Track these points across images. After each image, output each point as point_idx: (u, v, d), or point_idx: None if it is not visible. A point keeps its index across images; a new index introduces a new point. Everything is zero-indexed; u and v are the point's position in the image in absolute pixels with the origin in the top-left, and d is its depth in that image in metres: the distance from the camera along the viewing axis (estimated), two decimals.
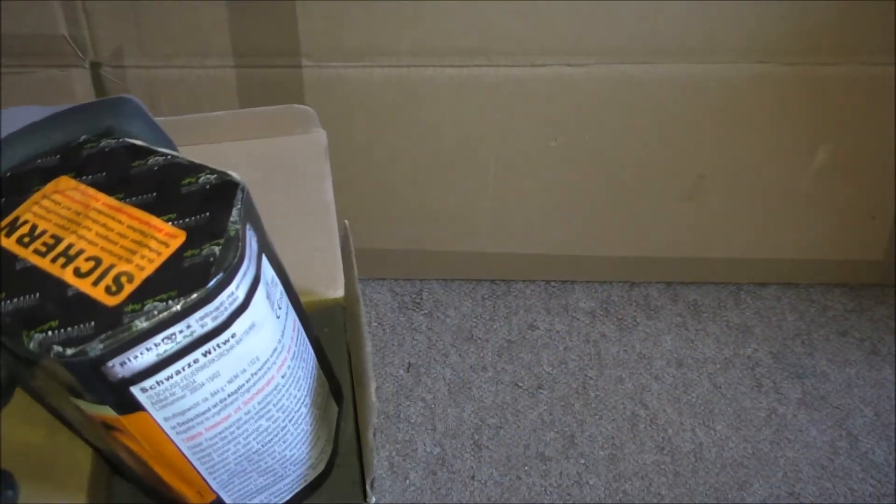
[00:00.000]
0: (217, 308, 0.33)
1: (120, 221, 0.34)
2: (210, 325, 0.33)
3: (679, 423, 0.89)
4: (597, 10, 0.81)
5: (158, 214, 0.34)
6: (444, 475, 0.85)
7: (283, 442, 0.40)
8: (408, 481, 0.85)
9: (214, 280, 0.32)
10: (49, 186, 0.36)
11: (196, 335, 0.33)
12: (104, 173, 0.36)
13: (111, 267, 0.33)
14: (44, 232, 0.34)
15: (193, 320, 0.33)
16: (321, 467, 0.44)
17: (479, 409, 0.90)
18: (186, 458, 0.37)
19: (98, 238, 0.34)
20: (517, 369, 0.93)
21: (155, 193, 0.35)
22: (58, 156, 0.38)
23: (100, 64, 0.85)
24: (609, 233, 0.96)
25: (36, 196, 0.35)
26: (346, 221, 0.53)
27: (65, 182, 0.36)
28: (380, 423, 0.89)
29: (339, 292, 0.51)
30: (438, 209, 0.95)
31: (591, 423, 0.89)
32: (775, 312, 0.98)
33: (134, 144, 0.38)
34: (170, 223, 0.34)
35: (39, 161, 0.37)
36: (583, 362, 0.94)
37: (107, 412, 0.34)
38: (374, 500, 0.41)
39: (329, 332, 0.51)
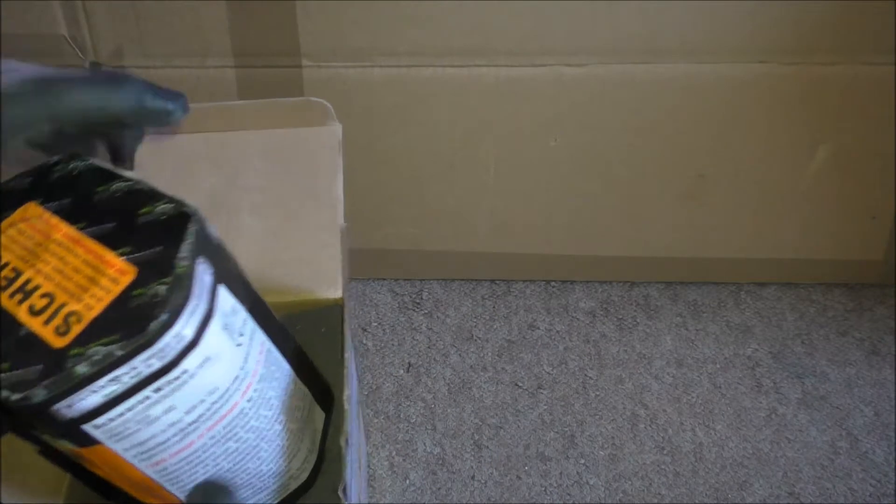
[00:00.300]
0: (162, 349, 0.33)
1: (76, 255, 0.34)
2: (157, 364, 0.33)
3: (679, 423, 0.89)
4: (597, 10, 0.81)
5: (114, 247, 0.34)
6: (444, 475, 0.85)
7: (257, 459, 0.40)
8: (408, 481, 0.85)
9: (156, 323, 0.32)
10: (17, 214, 0.36)
11: (143, 375, 0.33)
12: (69, 199, 0.36)
13: (63, 305, 0.33)
14: (6, 265, 0.34)
15: (138, 362, 0.32)
16: (304, 477, 0.44)
17: (479, 409, 0.90)
18: (155, 480, 0.37)
19: (54, 273, 0.34)
20: (517, 369, 0.93)
21: (113, 224, 0.35)
22: (30, 178, 0.38)
23: (100, 64, 0.85)
24: (609, 233, 0.96)
25: (3, 224, 0.36)
26: (344, 224, 0.53)
27: (31, 209, 0.36)
28: (380, 422, 0.89)
29: (338, 293, 0.52)
30: (438, 209, 0.95)
31: (591, 423, 0.89)
32: (775, 312, 0.98)
33: (100, 168, 0.38)
34: (123, 258, 0.34)
35: (12, 183, 0.37)
36: (583, 362, 0.94)
37: (66, 445, 0.35)
38: None
39: (326, 332, 0.51)
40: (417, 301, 1.00)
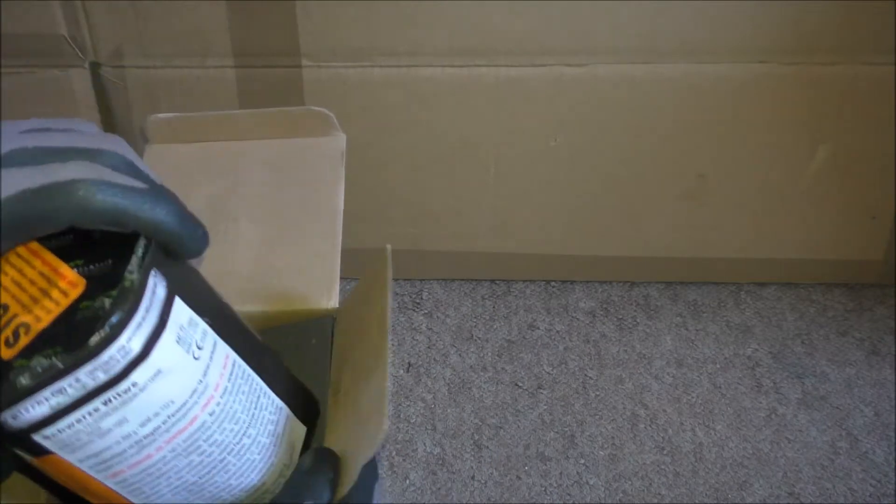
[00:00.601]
0: (107, 362, 0.33)
1: (34, 267, 0.34)
2: (102, 377, 0.33)
3: (679, 423, 0.89)
4: (597, 10, 0.81)
5: (68, 259, 0.34)
6: (444, 475, 0.85)
7: (225, 472, 0.39)
8: (408, 481, 0.85)
9: (97, 336, 0.32)
10: None
11: (89, 388, 0.33)
12: None
13: (14, 317, 0.33)
14: None
15: (82, 374, 0.32)
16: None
17: (479, 409, 0.90)
18: (116, 491, 0.37)
19: (11, 284, 0.34)
20: (517, 369, 0.93)
21: (71, 236, 0.35)
22: None
23: (100, 64, 0.85)
24: (609, 233, 0.96)
25: None
26: (389, 246, 0.50)
27: None
28: None
29: (332, 303, 0.51)
30: (438, 209, 0.95)
31: (591, 423, 0.89)
32: (775, 312, 0.98)
33: None
34: (75, 269, 0.34)
35: None
36: (583, 362, 0.94)
37: (23, 454, 0.35)
38: None
39: (317, 343, 0.50)
40: (417, 301, 1.00)
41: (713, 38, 0.82)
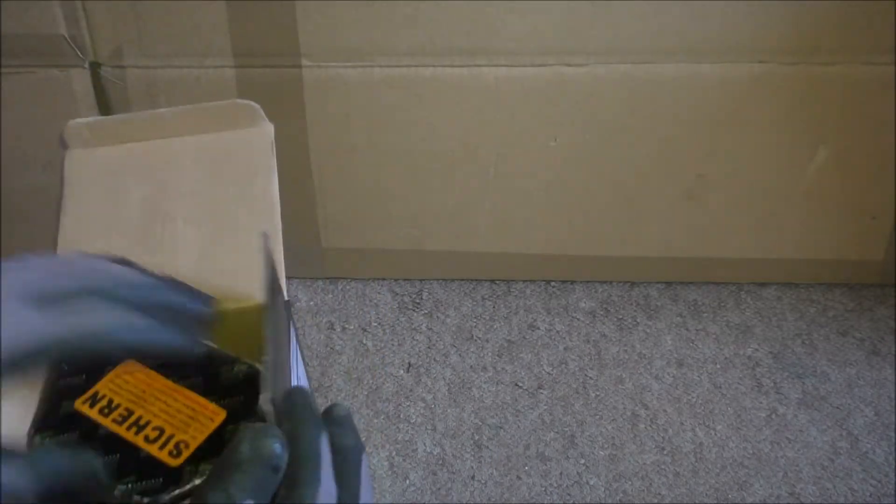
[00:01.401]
0: None
1: (176, 399, 0.44)
2: None
3: (679, 423, 0.89)
4: (597, 10, 0.81)
5: (205, 395, 0.44)
6: (444, 475, 0.85)
7: None
8: (408, 481, 0.85)
9: None
10: (119, 368, 0.46)
11: None
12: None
13: (172, 436, 0.43)
14: (118, 405, 0.44)
15: None
16: None
17: (479, 409, 0.90)
18: None
19: (160, 412, 0.43)
20: (517, 369, 0.93)
21: (202, 378, 0.46)
22: None
23: (99, 64, 0.85)
24: (609, 233, 0.96)
25: (110, 375, 0.46)
26: (265, 232, 0.52)
27: (132, 365, 0.46)
28: (380, 423, 0.89)
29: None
30: (438, 209, 0.95)
31: (591, 423, 0.89)
32: (775, 312, 0.98)
33: None
34: (214, 402, 0.44)
35: None
36: (583, 362, 0.94)
37: None
38: None
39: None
40: (417, 301, 1.00)
41: (713, 38, 0.82)
